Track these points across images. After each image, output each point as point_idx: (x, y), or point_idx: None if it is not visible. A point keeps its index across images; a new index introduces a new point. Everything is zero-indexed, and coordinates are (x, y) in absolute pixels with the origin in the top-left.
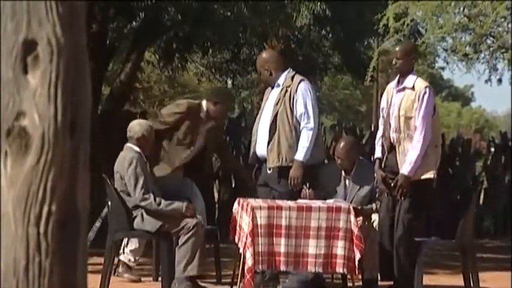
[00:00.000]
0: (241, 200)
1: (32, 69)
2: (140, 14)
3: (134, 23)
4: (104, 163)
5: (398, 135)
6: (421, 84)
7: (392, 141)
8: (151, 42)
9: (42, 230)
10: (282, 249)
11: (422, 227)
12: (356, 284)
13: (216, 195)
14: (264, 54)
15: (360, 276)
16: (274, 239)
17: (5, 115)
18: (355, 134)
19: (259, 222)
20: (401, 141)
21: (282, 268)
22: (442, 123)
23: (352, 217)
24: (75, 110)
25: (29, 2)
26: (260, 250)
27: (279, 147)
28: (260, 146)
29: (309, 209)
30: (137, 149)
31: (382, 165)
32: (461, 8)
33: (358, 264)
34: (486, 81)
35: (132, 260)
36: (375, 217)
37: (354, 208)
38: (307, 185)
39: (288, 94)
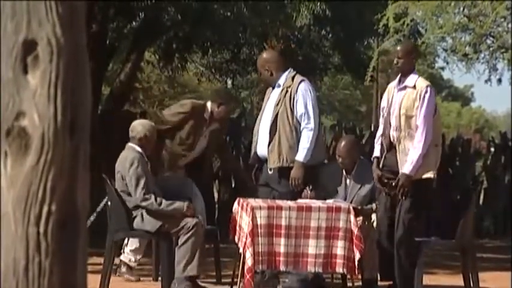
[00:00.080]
0: (241, 200)
1: (32, 69)
2: (140, 14)
3: (134, 23)
4: (104, 163)
5: (398, 134)
6: (422, 83)
7: (392, 140)
8: (151, 42)
9: (42, 230)
10: (282, 249)
11: (422, 227)
12: (356, 284)
13: (216, 195)
14: (265, 55)
15: (359, 276)
16: (274, 239)
17: (5, 115)
18: (355, 134)
19: (259, 222)
20: (402, 140)
21: (282, 268)
22: (442, 123)
23: (352, 217)
24: (75, 110)
25: (29, 2)
26: (260, 250)
27: (279, 148)
28: (261, 146)
29: (309, 209)
30: (139, 149)
31: (381, 164)
32: (461, 8)
33: (358, 264)
34: (486, 81)
35: (133, 260)
36: (374, 217)
37: (353, 208)
38: (310, 186)
39: (288, 94)
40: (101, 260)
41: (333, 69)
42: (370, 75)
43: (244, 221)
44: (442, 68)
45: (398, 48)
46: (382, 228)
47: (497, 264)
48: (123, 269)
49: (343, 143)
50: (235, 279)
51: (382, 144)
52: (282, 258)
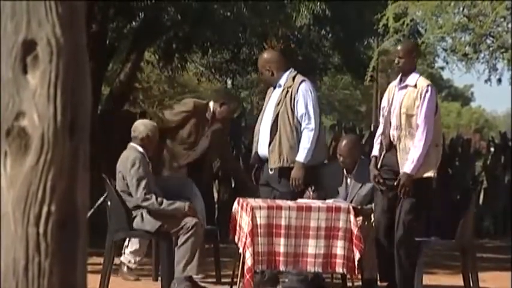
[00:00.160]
0: (241, 200)
1: (32, 69)
2: (140, 14)
3: (134, 23)
4: (104, 163)
5: (399, 133)
6: (423, 82)
7: (392, 139)
8: (151, 42)
9: (41, 230)
10: (282, 249)
11: (422, 227)
12: (356, 284)
13: (215, 195)
14: (266, 55)
15: (359, 276)
16: (273, 238)
17: (5, 115)
18: (354, 134)
19: (258, 222)
20: (402, 139)
21: (282, 268)
22: (442, 123)
23: (351, 217)
24: (75, 110)
25: (29, 2)
26: (260, 250)
27: (280, 148)
28: (261, 146)
29: (309, 209)
30: (140, 149)
31: (380, 163)
32: (461, 8)
33: (357, 264)
34: (486, 81)
35: (133, 261)
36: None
37: (353, 208)
38: (312, 187)
39: (289, 95)
40: (100, 260)
41: (332, 69)
42: (370, 75)
43: (244, 221)
44: (442, 68)
45: (399, 47)
46: (380, 229)
47: (497, 264)
48: (124, 269)
49: (344, 142)
50: (235, 279)
51: (381, 144)
52: (281, 258)
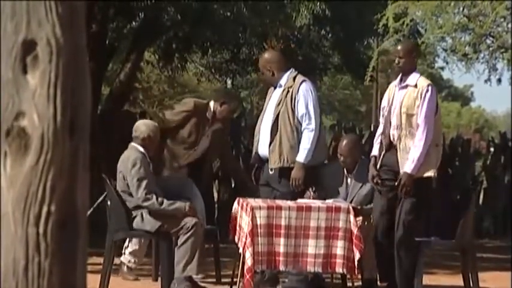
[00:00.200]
0: (241, 200)
1: (32, 69)
2: (140, 14)
3: (134, 23)
4: (103, 163)
5: (399, 132)
6: (424, 82)
7: (392, 138)
8: (151, 42)
9: (41, 230)
10: (282, 249)
11: (422, 227)
12: (356, 284)
13: (215, 195)
14: (266, 55)
15: (359, 276)
16: (273, 238)
17: (5, 115)
18: (355, 134)
19: (258, 222)
20: (402, 138)
21: (282, 268)
22: (442, 123)
23: (351, 217)
24: (75, 110)
25: (29, 2)
26: (260, 250)
27: (280, 148)
28: (262, 146)
29: (309, 209)
30: (141, 149)
31: (380, 163)
32: (461, 8)
33: (357, 264)
34: (486, 81)
35: (133, 261)
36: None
37: (353, 208)
38: (313, 188)
39: (289, 95)
40: (100, 260)
41: (332, 69)
42: (370, 75)
43: (244, 221)
44: (442, 68)
45: (399, 47)
46: (379, 230)
47: (497, 264)
48: (124, 269)
49: (345, 142)
50: (235, 279)
51: (381, 143)
52: (281, 258)
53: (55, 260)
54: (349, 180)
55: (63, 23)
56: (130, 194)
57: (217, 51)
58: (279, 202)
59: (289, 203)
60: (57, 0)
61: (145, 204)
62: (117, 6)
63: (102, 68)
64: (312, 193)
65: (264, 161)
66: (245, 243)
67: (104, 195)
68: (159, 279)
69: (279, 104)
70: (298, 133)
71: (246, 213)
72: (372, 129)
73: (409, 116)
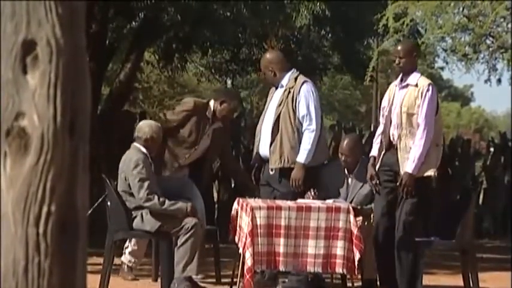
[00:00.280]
0: (241, 200)
1: (32, 69)
2: (140, 14)
3: (134, 23)
4: (103, 163)
5: (399, 132)
6: (424, 81)
7: (392, 138)
8: (151, 42)
9: (41, 230)
10: (282, 249)
11: (421, 227)
12: (355, 284)
13: (215, 195)
14: (268, 55)
15: (359, 277)
16: (273, 239)
17: (5, 115)
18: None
19: (258, 223)
20: (403, 138)
21: (281, 268)
22: (442, 123)
23: (351, 217)
24: (75, 110)
25: (29, 2)
26: (259, 250)
27: (281, 149)
28: (263, 146)
29: (308, 209)
30: (144, 150)
31: (380, 163)
32: (461, 8)
33: (357, 264)
34: (485, 81)
35: (133, 261)
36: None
37: (353, 208)
38: (315, 189)
39: (291, 95)
40: (100, 260)
41: (332, 69)
42: (370, 75)
43: (244, 221)
44: (442, 68)
45: (399, 47)
46: (380, 233)
47: (497, 265)
48: (125, 269)
49: (346, 141)
50: (235, 279)
51: (381, 143)
52: (281, 258)
53: (55, 260)
54: (349, 180)
55: (63, 23)
56: (132, 194)
57: (217, 51)
58: (279, 202)
59: (289, 203)
60: (57, 0)
61: (147, 204)
62: (117, 6)
63: (102, 68)
64: (312, 194)
65: (265, 161)
66: (245, 243)
67: (104, 196)
68: (159, 279)
69: (280, 104)
70: (299, 134)
71: (246, 214)
72: (372, 129)
73: (410, 116)
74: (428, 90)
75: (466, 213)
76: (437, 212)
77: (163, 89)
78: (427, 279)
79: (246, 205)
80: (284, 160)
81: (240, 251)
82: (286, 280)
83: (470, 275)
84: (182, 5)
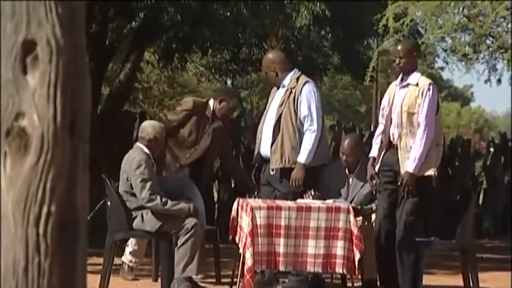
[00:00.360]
0: (241, 200)
1: (32, 69)
2: (140, 14)
3: (134, 23)
4: (103, 163)
5: (400, 131)
6: (425, 81)
7: (392, 138)
8: (151, 42)
9: (41, 230)
10: (282, 249)
11: (422, 227)
12: (356, 284)
13: (215, 195)
14: (270, 55)
15: (359, 277)
16: (273, 239)
17: (5, 115)
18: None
19: (258, 223)
20: (403, 137)
21: (282, 268)
22: (442, 123)
23: (351, 217)
24: (75, 110)
25: (29, 2)
26: (260, 250)
27: (282, 149)
28: (264, 146)
29: (309, 209)
30: (146, 150)
31: (380, 163)
32: (461, 8)
33: (357, 264)
34: (485, 82)
35: (133, 260)
36: (374, 217)
37: (353, 208)
38: (315, 189)
39: (292, 95)
40: (100, 260)
41: (332, 70)
42: (370, 75)
43: (244, 221)
44: (442, 68)
45: (399, 47)
46: (382, 235)
47: (497, 265)
48: (125, 268)
49: (347, 141)
50: (235, 279)
51: (381, 143)
52: (281, 259)
53: (55, 260)
54: (350, 179)
55: (63, 23)
56: (133, 194)
57: (217, 51)
58: (279, 202)
59: (289, 203)
60: (57, 0)
61: (149, 205)
62: (117, 6)
63: (102, 68)
64: (311, 194)
65: (266, 161)
66: (245, 243)
67: (102, 201)
68: (159, 279)
69: (281, 104)
70: (300, 134)
71: (246, 214)
72: (372, 129)
73: (410, 115)
74: (429, 89)
75: (466, 213)
76: (437, 212)
77: (163, 89)
78: (427, 279)
79: (246, 205)
80: (285, 160)
81: (241, 251)
82: (286, 280)
83: (470, 275)
84: (182, 5)
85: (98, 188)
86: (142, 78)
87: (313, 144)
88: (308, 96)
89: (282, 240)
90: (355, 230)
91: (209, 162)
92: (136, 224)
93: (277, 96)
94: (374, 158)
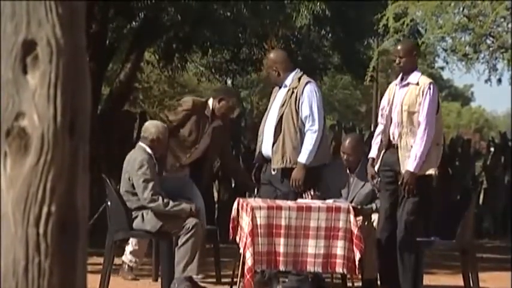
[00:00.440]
0: (241, 200)
1: (32, 69)
2: (140, 14)
3: (134, 23)
4: (103, 163)
5: (400, 130)
6: (425, 80)
7: (392, 137)
8: (151, 42)
9: (41, 230)
10: (282, 249)
11: (422, 227)
12: (356, 284)
13: (215, 195)
14: (272, 55)
15: (359, 276)
16: (273, 239)
17: (5, 115)
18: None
19: (258, 222)
20: (403, 136)
21: (282, 268)
22: (442, 123)
23: (351, 217)
24: (75, 110)
25: (29, 2)
26: (260, 250)
27: (283, 149)
28: (265, 146)
29: (309, 209)
30: (149, 150)
31: (380, 163)
32: (461, 8)
33: (358, 264)
34: (486, 81)
35: (134, 260)
36: (374, 217)
37: (353, 208)
38: (315, 189)
39: (294, 96)
40: (100, 260)
41: (332, 69)
42: (370, 75)
43: (244, 221)
44: (442, 68)
45: (399, 47)
46: (383, 236)
47: (497, 264)
48: (125, 268)
49: (348, 140)
50: (235, 279)
51: (381, 143)
52: (281, 258)
53: (55, 260)
54: (351, 179)
55: (63, 23)
56: (134, 194)
57: (217, 51)
58: (279, 202)
59: (289, 203)
60: (57, 0)
61: (151, 205)
62: (117, 6)
63: (102, 68)
64: (310, 194)
65: (267, 161)
66: (245, 243)
67: (103, 206)
68: (159, 279)
69: (283, 104)
70: (302, 134)
71: (246, 214)
72: (372, 129)
73: (411, 114)
74: (429, 88)
75: (466, 213)
76: (438, 211)
77: (164, 89)
78: (427, 279)
79: (246, 205)
80: (286, 160)
81: (241, 250)
82: (287, 280)
83: (470, 275)
84: (182, 5)
85: (98, 188)
86: (143, 78)
87: (314, 145)
88: (310, 96)
89: (282, 240)
90: (355, 230)
91: (209, 161)
92: (136, 224)
93: (279, 96)
94: (373, 159)
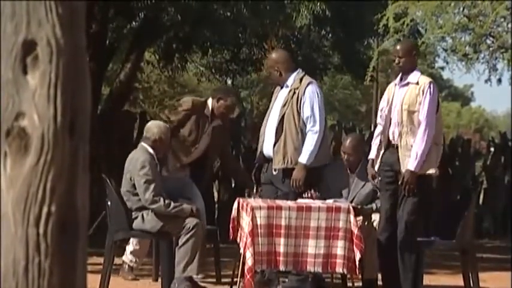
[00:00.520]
0: (241, 200)
1: (32, 69)
2: (140, 14)
3: (134, 23)
4: (103, 163)
5: (400, 129)
6: (425, 79)
7: (392, 137)
8: (151, 42)
9: (41, 230)
10: (282, 249)
11: (422, 227)
12: (356, 284)
13: (216, 195)
14: (274, 54)
15: (359, 276)
16: (273, 238)
17: (5, 115)
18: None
19: (259, 222)
20: (403, 136)
21: (282, 268)
22: (442, 123)
23: (351, 217)
24: (75, 110)
25: (29, 2)
26: (260, 250)
27: (284, 149)
28: (267, 146)
29: (309, 209)
30: (151, 150)
31: (380, 163)
32: (461, 8)
33: (358, 264)
34: (486, 81)
35: (134, 260)
36: (375, 217)
37: (353, 208)
38: (316, 189)
39: (295, 96)
40: (100, 260)
41: (332, 69)
42: (370, 75)
43: (244, 221)
44: (442, 68)
45: (399, 47)
46: (384, 237)
47: (497, 264)
48: (125, 268)
49: (348, 140)
50: (235, 279)
51: (380, 143)
52: (281, 258)
53: (55, 260)
54: (351, 179)
55: (63, 23)
56: (135, 194)
57: (217, 51)
58: (279, 202)
59: (289, 203)
60: (57, 0)
61: (153, 206)
62: (117, 6)
63: (102, 68)
64: (310, 195)
65: (269, 161)
66: (245, 243)
67: (103, 214)
68: (159, 279)
69: (284, 105)
70: (303, 135)
71: (247, 214)
72: (372, 129)
73: (411, 113)
74: (429, 87)
75: (466, 213)
76: (438, 211)
77: (164, 89)
78: (427, 279)
79: (247, 205)
80: (287, 161)
81: (241, 250)
82: (287, 280)
83: (470, 275)
84: (182, 5)
85: (98, 188)
86: (143, 78)
87: (315, 146)
88: (311, 97)
89: (282, 240)
90: (355, 230)
91: (209, 160)
92: (137, 224)
93: (281, 96)
94: (373, 160)
